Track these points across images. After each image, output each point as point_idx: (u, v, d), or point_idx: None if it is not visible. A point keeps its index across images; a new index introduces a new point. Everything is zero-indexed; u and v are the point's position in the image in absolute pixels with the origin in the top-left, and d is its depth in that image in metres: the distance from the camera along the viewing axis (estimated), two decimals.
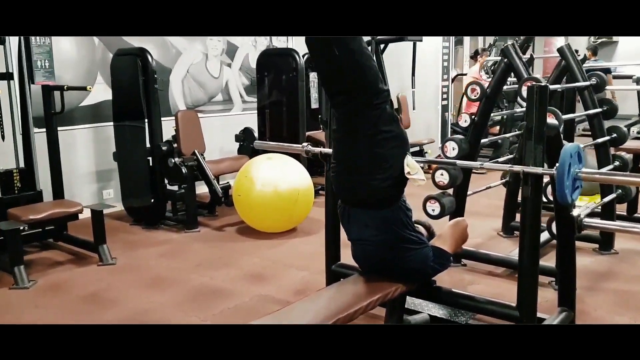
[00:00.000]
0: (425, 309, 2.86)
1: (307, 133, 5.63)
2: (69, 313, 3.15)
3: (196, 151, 4.81)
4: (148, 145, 4.69)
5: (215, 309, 3.14)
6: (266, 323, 2.03)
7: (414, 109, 6.97)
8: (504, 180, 4.12)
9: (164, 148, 4.67)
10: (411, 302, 2.87)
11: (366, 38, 6.25)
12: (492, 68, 7.48)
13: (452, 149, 3.07)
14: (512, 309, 2.45)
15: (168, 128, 4.83)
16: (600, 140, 3.75)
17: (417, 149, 6.93)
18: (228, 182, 5.14)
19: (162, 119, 4.79)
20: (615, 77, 7.68)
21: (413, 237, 2.32)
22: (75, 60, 5.03)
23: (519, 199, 3.52)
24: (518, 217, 3.36)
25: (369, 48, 6.67)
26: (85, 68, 5.09)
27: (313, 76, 6.23)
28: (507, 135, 5.35)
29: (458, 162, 2.78)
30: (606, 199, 3.70)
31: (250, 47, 6.51)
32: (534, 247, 2.36)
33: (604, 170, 3.64)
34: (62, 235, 4.25)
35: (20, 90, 4.08)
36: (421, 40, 6.48)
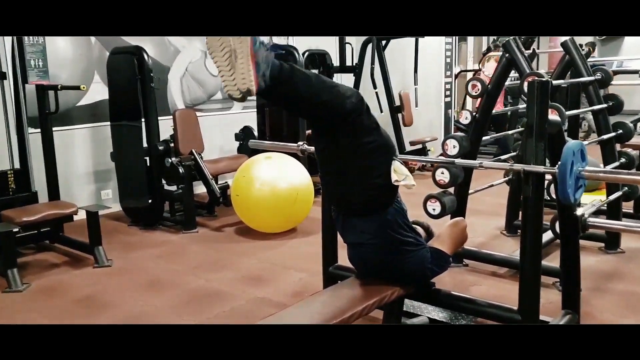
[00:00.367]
0: (425, 312, 2.78)
1: (308, 131, 5.55)
2: (62, 316, 3.09)
3: (194, 150, 4.75)
4: (145, 145, 4.63)
5: (210, 313, 3.07)
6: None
7: (416, 106, 6.88)
8: (507, 178, 4.02)
9: (161, 148, 4.62)
10: (410, 304, 2.80)
11: None
12: None
13: (452, 146, 2.98)
14: (513, 312, 2.37)
15: (167, 127, 4.77)
16: (605, 136, 3.66)
17: (419, 146, 6.86)
18: (226, 182, 5.06)
19: (161, 118, 4.74)
20: (621, 72, 7.55)
21: (410, 239, 2.25)
22: (72, 59, 4.97)
23: None
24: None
25: (369, 45, 6.62)
26: (82, 67, 5.03)
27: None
28: (510, 132, 5.24)
29: (457, 161, 2.70)
30: (612, 197, 3.60)
31: None
32: (536, 250, 2.27)
33: (609, 168, 3.55)
34: (58, 237, 4.19)
35: (14, 90, 4.02)
36: (423, 36, 6.40)
